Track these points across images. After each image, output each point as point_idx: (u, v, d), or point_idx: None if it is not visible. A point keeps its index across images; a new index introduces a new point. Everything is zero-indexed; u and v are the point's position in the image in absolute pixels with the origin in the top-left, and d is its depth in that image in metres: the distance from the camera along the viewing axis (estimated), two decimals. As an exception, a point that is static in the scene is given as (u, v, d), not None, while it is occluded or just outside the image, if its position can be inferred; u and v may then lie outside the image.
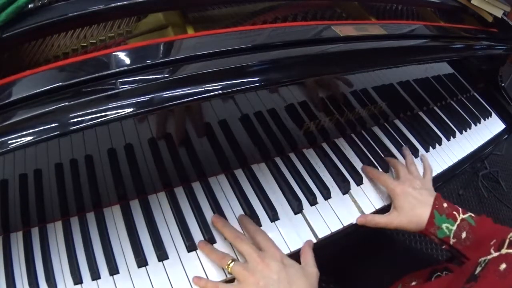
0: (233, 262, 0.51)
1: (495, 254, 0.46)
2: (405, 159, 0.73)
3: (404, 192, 0.62)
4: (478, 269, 0.46)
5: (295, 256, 0.56)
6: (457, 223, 0.59)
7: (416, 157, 0.78)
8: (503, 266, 0.43)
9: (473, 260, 0.50)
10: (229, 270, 0.51)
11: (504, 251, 0.45)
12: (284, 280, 0.49)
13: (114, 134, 0.50)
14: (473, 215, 0.61)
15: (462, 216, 0.60)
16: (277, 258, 0.51)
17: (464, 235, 0.58)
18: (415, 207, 0.61)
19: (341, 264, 0.79)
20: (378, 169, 0.71)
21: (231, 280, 0.53)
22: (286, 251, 0.56)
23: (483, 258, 0.47)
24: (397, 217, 0.62)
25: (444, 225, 0.59)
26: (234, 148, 0.62)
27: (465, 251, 0.58)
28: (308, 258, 0.55)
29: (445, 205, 0.61)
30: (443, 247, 0.61)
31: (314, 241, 0.59)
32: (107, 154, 0.52)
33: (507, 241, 0.46)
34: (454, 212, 0.60)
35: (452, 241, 0.58)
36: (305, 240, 0.58)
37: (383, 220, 0.62)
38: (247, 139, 0.63)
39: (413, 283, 0.62)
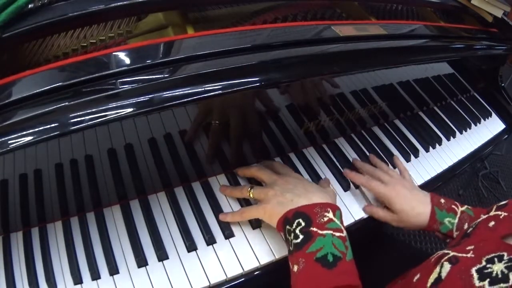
0: (252, 188, 0.57)
1: (484, 217, 0.48)
2: (377, 166, 0.70)
3: (399, 194, 0.62)
4: (470, 229, 0.48)
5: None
6: (458, 215, 0.60)
7: (416, 157, 0.78)
8: (492, 223, 0.45)
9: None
10: (251, 195, 0.57)
11: (492, 213, 0.48)
12: (300, 187, 0.55)
13: (114, 134, 0.50)
14: (469, 207, 0.62)
15: (461, 208, 0.61)
16: (295, 176, 0.58)
17: (466, 226, 0.59)
18: (414, 208, 0.61)
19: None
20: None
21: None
22: (287, 250, 0.56)
23: (474, 222, 0.49)
24: (399, 219, 0.62)
25: (446, 220, 0.60)
26: (234, 148, 0.62)
27: None
28: (326, 183, 0.63)
29: (442, 200, 0.62)
30: (447, 241, 0.61)
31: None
32: (107, 154, 0.52)
33: (495, 207, 0.49)
34: (453, 206, 0.61)
35: (455, 234, 0.59)
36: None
37: (386, 217, 0.63)
38: (247, 139, 0.63)
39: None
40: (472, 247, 0.41)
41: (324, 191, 0.57)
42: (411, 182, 0.68)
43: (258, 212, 0.55)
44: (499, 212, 0.47)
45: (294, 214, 0.50)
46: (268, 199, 0.54)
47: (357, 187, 0.68)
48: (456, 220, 0.60)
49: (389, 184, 0.64)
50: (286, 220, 0.51)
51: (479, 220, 0.49)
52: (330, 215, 0.51)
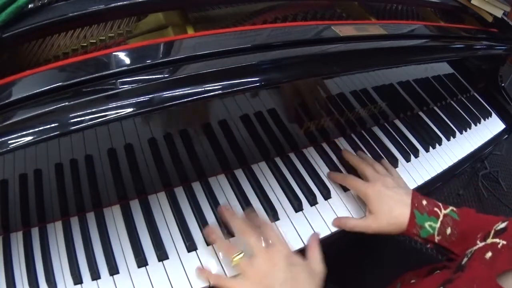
0: (240, 255, 0.50)
1: (481, 244, 0.45)
2: (365, 160, 0.67)
3: (378, 193, 0.58)
4: (465, 259, 0.45)
5: (298, 254, 0.55)
6: (440, 219, 0.56)
7: (416, 157, 0.78)
8: (488, 254, 0.42)
9: (462, 253, 0.50)
10: (236, 262, 0.50)
11: (489, 240, 0.45)
12: (288, 281, 0.47)
13: (114, 134, 0.50)
14: (454, 208, 0.58)
15: (444, 211, 0.56)
16: (284, 255, 0.50)
17: (449, 231, 0.55)
18: (392, 209, 0.57)
19: (341, 265, 0.79)
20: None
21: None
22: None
23: (469, 250, 0.46)
24: (375, 221, 0.58)
25: (427, 224, 0.55)
26: (234, 148, 0.62)
27: (451, 247, 0.55)
28: (315, 254, 0.54)
29: (424, 202, 0.57)
30: (428, 246, 0.57)
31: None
32: (107, 154, 0.52)
33: (493, 231, 0.46)
34: (435, 209, 0.57)
35: (437, 238, 0.55)
36: (306, 240, 0.58)
37: (359, 224, 0.59)
38: (247, 139, 0.63)
39: (412, 281, 0.61)
40: None
41: (311, 277, 0.50)
42: (396, 179, 0.63)
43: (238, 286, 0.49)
44: (497, 240, 0.43)
45: None
46: (252, 282, 0.48)
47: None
48: (438, 225, 0.55)
49: (370, 180, 0.61)
50: None
51: (475, 248, 0.45)
52: None
